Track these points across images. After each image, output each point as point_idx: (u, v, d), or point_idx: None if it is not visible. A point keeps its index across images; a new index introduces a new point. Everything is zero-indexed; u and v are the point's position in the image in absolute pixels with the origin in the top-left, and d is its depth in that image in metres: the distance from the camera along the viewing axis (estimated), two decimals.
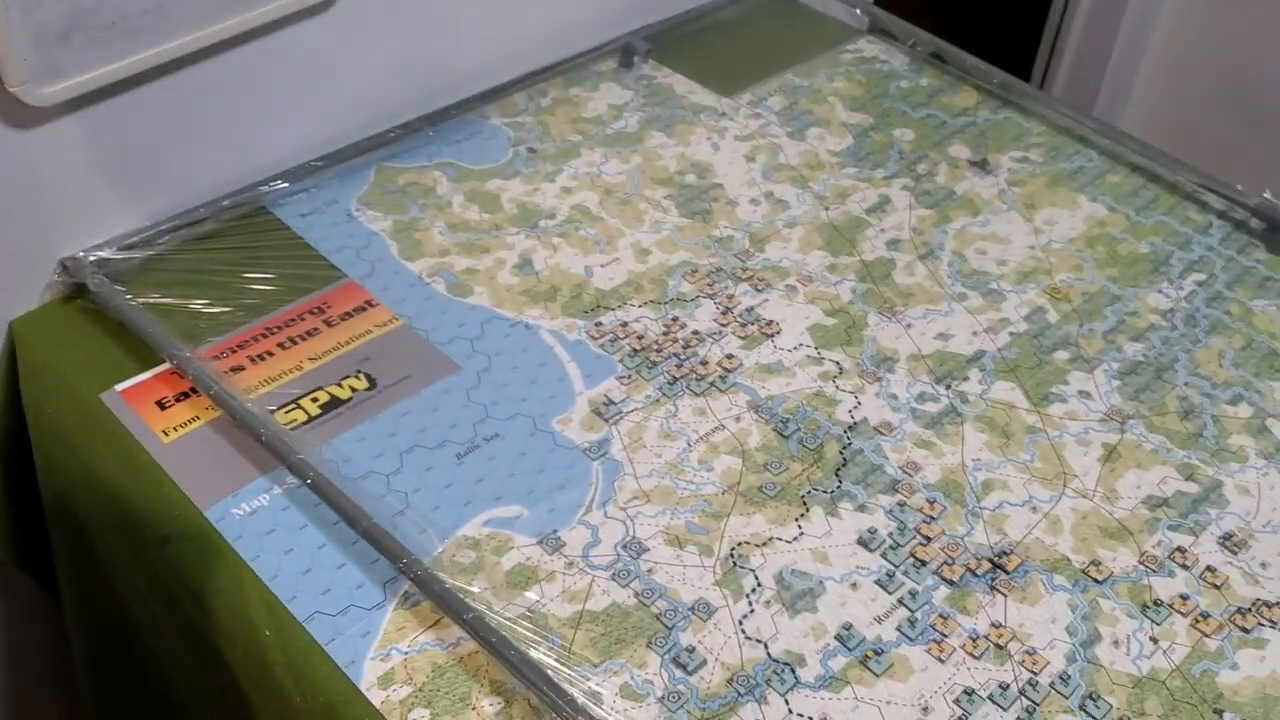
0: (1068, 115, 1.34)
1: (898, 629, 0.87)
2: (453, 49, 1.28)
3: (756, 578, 0.89)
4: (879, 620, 0.88)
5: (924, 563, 0.91)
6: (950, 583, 0.90)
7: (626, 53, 1.38)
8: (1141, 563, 0.92)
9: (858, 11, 1.48)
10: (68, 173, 1.05)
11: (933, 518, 0.94)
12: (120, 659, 1.15)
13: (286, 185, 1.17)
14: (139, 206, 1.12)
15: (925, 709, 0.83)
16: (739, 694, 0.82)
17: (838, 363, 1.06)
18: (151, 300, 1.05)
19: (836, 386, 1.04)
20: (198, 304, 1.07)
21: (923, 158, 1.29)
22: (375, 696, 0.81)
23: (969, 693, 0.84)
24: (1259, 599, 0.90)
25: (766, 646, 0.85)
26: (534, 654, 0.82)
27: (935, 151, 1.30)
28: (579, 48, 1.37)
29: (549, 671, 0.81)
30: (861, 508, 0.95)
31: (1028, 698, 0.84)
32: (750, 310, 1.10)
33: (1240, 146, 2.05)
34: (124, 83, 1.04)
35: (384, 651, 0.84)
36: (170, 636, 1.00)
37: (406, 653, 0.84)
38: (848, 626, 0.87)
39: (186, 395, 1.00)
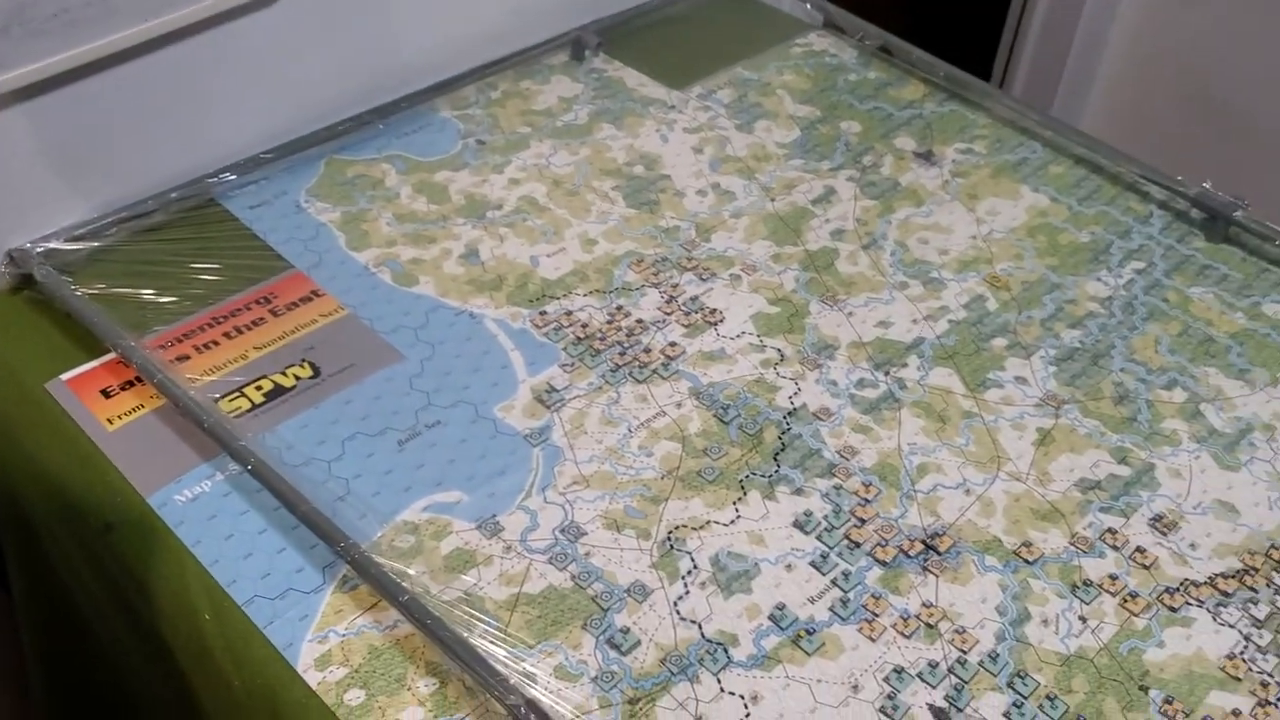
0: (1013, 108, 1.35)
1: (830, 609, 0.88)
2: (403, 42, 1.29)
3: (693, 560, 0.91)
4: (812, 601, 0.89)
5: (858, 544, 0.92)
6: (883, 564, 0.91)
7: (578, 46, 1.39)
8: (1072, 544, 0.94)
9: (808, 6, 1.49)
10: (14, 164, 1.05)
11: (868, 500, 0.95)
12: (71, 652, 1.15)
13: (236, 177, 1.18)
14: (87, 198, 1.13)
15: (855, 687, 0.84)
16: (672, 673, 0.84)
17: (779, 350, 1.07)
18: (97, 290, 1.06)
19: (777, 373, 1.05)
20: (145, 294, 1.07)
21: (869, 149, 1.30)
22: (312, 678, 0.82)
23: (898, 671, 0.85)
24: (1187, 579, 0.92)
25: (700, 627, 0.87)
26: (469, 636, 0.83)
27: (881, 143, 1.31)
28: (530, 41, 1.37)
29: (483, 653, 0.82)
30: (798, 491, 0.96)
31: (956, 675, 0.85)
32: (694, 299, 1.11)
33: (1199, 142, 2.07)
34: (69, 75, 1.05)
35: (321, 634, 0.85)
36: (116, 625, 1.01)
37: (344, 635, 0.85)
38: (781, 607, 0.88)
39: (131, 384, 1.01)
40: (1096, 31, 2.14)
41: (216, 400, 0.99)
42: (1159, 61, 2.09)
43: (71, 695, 1.21)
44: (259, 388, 1.01)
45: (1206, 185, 1.23)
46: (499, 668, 0.81)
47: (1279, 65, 1.89)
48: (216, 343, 1.04)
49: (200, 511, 0.91)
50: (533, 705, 0.79)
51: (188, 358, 1.02)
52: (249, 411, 0.99)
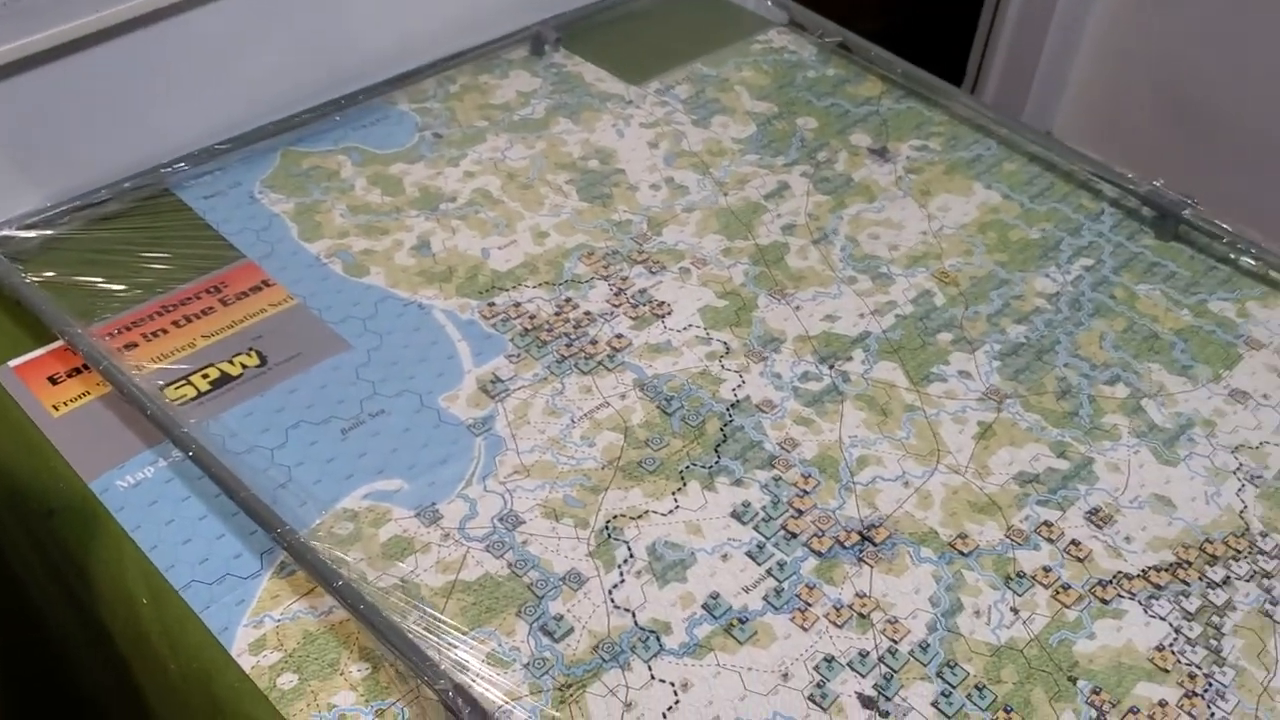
0: (969, 105, 1.36)
1: (764, 599, 0.89)
2: (362, 35, 1.30)
3: (629, 549, 0.91)
4: (746, 590, 0.90)
5: (794, 535, 0.93)
6: (819, 554, 0.92)
7: (537, 41, 1.40)
8: (1008, 536, 0.94)
9: (769, 3, 1.50)
10: None
11: (806, 492, 0.96)
12: (26, 645, 1.16)
13: (192, 167, 1.18)
14: (41, 187, 1.13)
15: (785, 675, 0.85)
16: (603, 660, 0.84)
17: (725, 343, 1.08)
18: (48, 278, 1.07)
19: (722, 366, 1.06)
20: (95, 282, 1.08)
21: (824, 145, 1.31)
22: (246, 662, 0.83)
23: (829, 660, 0.86)
24: (1120, 572, 0.93)
25: (634, 615, 0.87)
26: (403, 622, 0.84)
27: (837, 140, 1.32)
28: (490, 35, 1.38)
29: (416, 639, 0.83)
30: (738, 482, 0.96)
31: (886, 665, 0.86)
32: (643, 292, 1.12)
33: (1172, 142, 2.08)
34: (21, 63, 1.06)
35: (257, 619, 0.85)
36: (62, 613, 1.02)
37: (279, 620, 0.85)
38: (715, 596, 0.89)
39: (78, 371, 1.01)
40: (1069, 33, 2.15)
41: (162, 388, 0.99)
42: (1131, 63, 2.10)
43: (29, 691, 1.21)
44: (205, 376, 1.01)
45: (1157, 183, 1.23)
46: (431, 654, 0.82)
47: (1250, 66, 1.90)
48: (165, 331, 1.04)
49: (141, 497, 0.92)
50: (461, 691, 0.79)
51: (135, 345, 1.03)
52: (194, 399, 0.99)
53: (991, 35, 2.29)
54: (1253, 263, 1.18)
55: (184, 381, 1.00)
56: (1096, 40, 2.17)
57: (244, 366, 1.02)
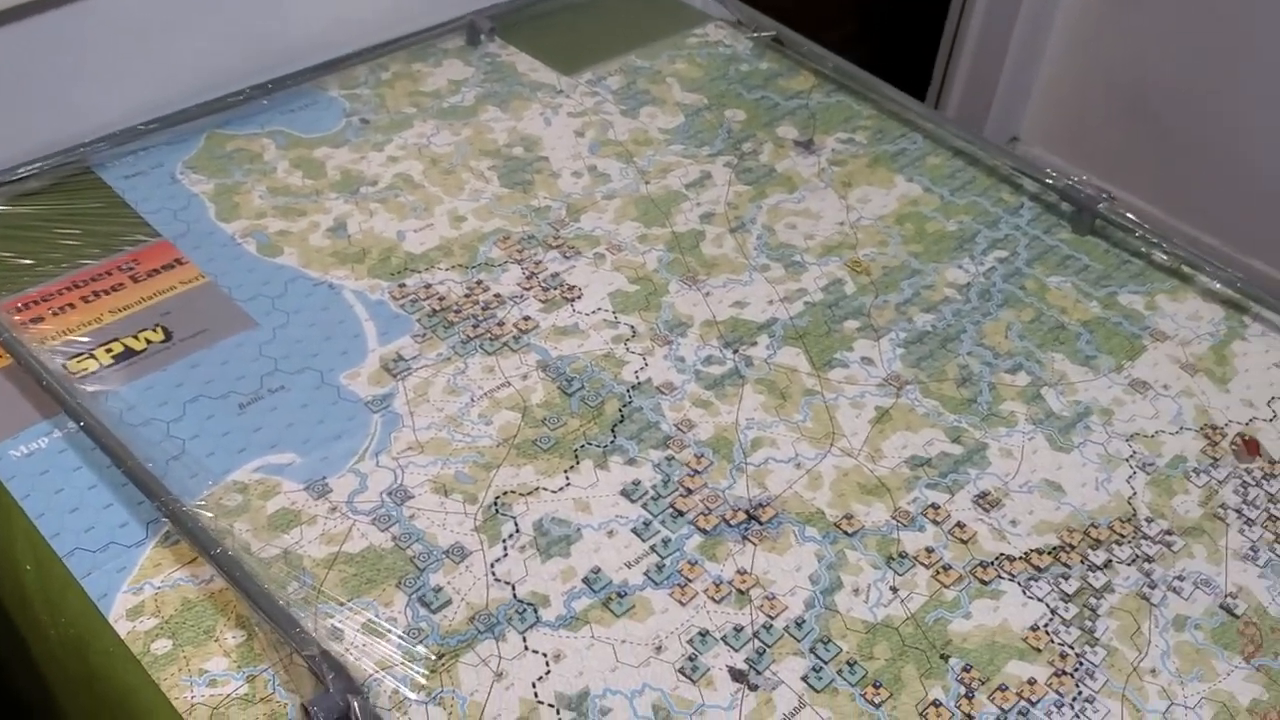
0: (898, 100, 1.37)
1: (645, 574, 0.90)
2: (296, 20, 1.31)
3: (516, 524, 0.92)
4: (629, 565, 0.90)
5: (682, 513, 0.94)
6: (704, 532, 0.93)
7: (473, 30, 1.41)
8: (894, 518, 0.95)
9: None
10: None
11: (697, 471, 0.97)
12: None
13: (114, 147, 1.19)
14: None
15: (659, 648, 0.85)
16: (479, 631, 0.85)
17: (632, 326, 1.09)
18: None
19: (627, 349, 1.07)
20: (6, 258, 1.09)
21: (750, 137, 1.32)
22: (122, 628, 0.84)
23: (703, 634, 0.86)
24: (1003, 554, 0.93)
25: (514, 588, 0.88)
26: (280, 591, 0.84)
27: (763, 131, 1.33)
28: (425, 24, 1.39)
29: (292, 608, 0.83)
30: (631, 461, 0.97)
31: (760, 640, 0.86)
32: (555, 276, 1.13)
33: (1136, 147, 2.08)
34: None
35: (137, 586, 0.86)
36: None
37: (159, 587, 0.86)
38: (596, 570, 0.90)
39: None
40: (1033, 38, 2.16)
41: (65, 361, 1.00)
42: (1096, 68, 2.10)
43: None
44: (109, 350, 1.02)
45: (1081, 178, 1.24)
46: (306, 622, 0.82)
47: (1214, 71, 1.91)
48: (73, 306, 1.05)
49: (33, 467, 0.93)
50: (328, 658, 0.80)
51: (42, 320, 1.04)
52: (95, 373, 1.00)
53: (956, 40, 2.30)
54: (1165, 257, 1.19)
55: (87, 355, 1.01)
56: (1061, 45, 2.18)
57: (148, 341, 1.03)
